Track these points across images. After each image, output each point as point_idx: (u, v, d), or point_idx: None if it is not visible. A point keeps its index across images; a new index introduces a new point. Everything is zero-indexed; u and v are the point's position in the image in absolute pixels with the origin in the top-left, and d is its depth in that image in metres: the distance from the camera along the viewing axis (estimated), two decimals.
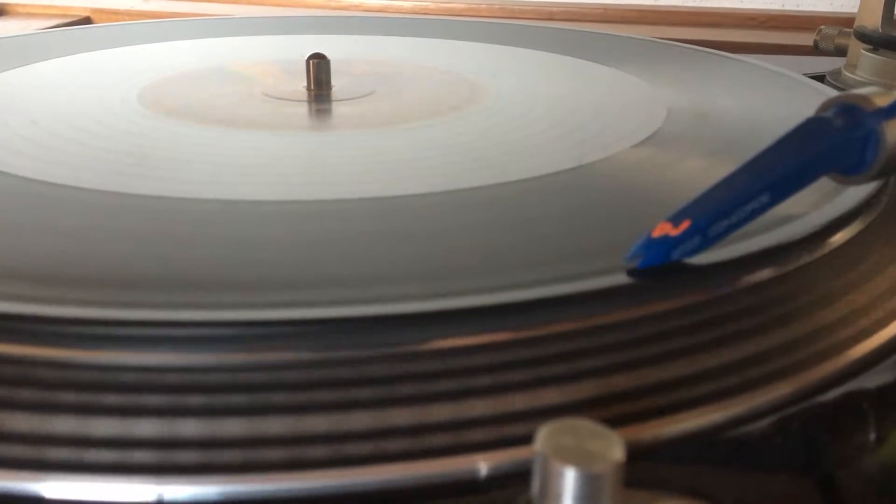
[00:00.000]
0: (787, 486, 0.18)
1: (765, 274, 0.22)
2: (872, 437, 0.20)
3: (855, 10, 0.51)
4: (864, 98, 0.21)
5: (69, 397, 0.17)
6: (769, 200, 0.21)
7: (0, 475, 0.16)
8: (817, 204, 0.25)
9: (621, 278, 0.20)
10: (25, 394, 0.17)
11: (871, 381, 0.21)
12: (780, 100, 0.39)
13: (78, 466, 0.16)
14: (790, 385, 0.19)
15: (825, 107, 0.22)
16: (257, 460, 0.16)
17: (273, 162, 0.31)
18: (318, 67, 0.40)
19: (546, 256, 0.23)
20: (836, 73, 0.50)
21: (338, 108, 0.39)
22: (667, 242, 0.20)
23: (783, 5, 0.78)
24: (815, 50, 0.53)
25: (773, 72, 0.43)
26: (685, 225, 0.20)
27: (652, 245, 0.20)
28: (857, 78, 0.48)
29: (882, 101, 0.21)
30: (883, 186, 0.27)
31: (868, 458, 0.19)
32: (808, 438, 0.19)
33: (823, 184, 0.23)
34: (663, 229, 0.20)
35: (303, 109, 0.39)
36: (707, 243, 0.20)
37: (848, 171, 0.22)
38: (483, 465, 0.17)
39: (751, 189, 0.20)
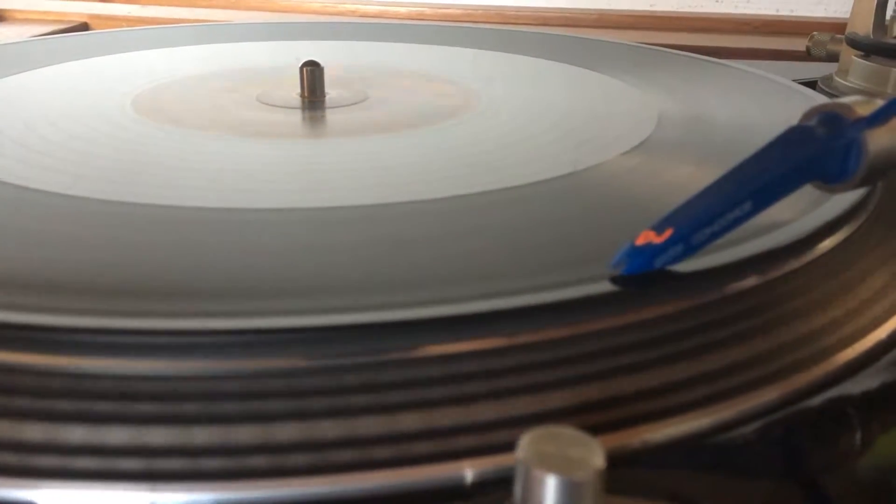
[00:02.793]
0: (772, 492, 0.18)
1: (749, 281, 0.22)
2: (858, 441, 0.20)
3: (849, 15, 0.51)
4: (847, 107, 0.21)
5: (63, 405, 0.17)
6: (752, 209, 0.21)
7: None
8: (803, 211, 0.25)
9: (605, 286, 0.21)
10: (15, 401, 0.18)
11: (856, 386, 0.21)
12: (771, 106, 0.39)
13: (72, 474, 0.16)
14: (776, 391, 0.20)
15: (808, 116, 0.22)
16: (243, 468, 0.16)
17: (267, 169, 0.31)
18: (312, 75, 0.40)
19: (535, 264, 0.23)
20: (828, 79, 0.50)
21: (331, 116, 0.39)
22: (650, 250, 0.20)
23: (777, 10, 0.78)
24: (807, 56, 0.54)
25: (764, 78, 0.44)
26: (668, 233, 0.20)
27: (635, 253, 0.21)
28: (849, 84, 0.48)
29: (864, 110, 0.21)
30: (868, 194, 0.27)
31: (853, 462, 0.19)
32: (793, 443, 0.19)
33: (809, 191, 0.23)
34: (647, 237, 0.20)
35: (297, 117, 0.39)
36: (690, 251, 0.21)
37: (831, 179, 0.22)
38: (468, 471, 0.17)
39: (733, 197, 0.21)
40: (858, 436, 0.20)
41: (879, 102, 0.22)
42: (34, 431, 0.17)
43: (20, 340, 0.19)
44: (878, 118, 0.21)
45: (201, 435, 0.17)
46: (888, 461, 0.19)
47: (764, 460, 0.19)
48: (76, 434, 0.17)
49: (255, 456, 0.17)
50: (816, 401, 0.20)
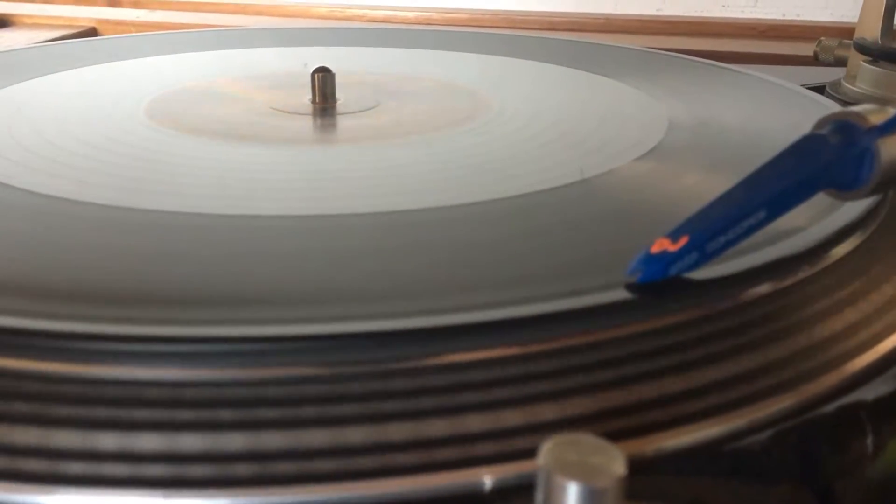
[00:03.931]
0: (787, 498, 0.18)
1: (763, 289, 0.22)
2: (870, 447, 0.20)
3: (856, 19, 0.51)
4: (860, 115, 0.22)
5: (76, 411, 0.18)
6: (766, 217, 0.21)
7: (6, 488, 0.16)
8: (815, 218, 0.25)
9: (620, 294, 0.21)
10: (26, 408, 0.18)
11: (868, 392, 0.21)
12: (780, 111, 0.39)
13: (87, 480, 0.16)
14: (790, 398, 0.20)
15: (821, 124, 0.22)
16: (264, 474, 0.17)
17: (279, 176, 0.32)
18: (324, 81, 0.41)
19: (547, 272, 0.23)
20: (836, 84, 0.50)
21: (343, 122, 0.39)
22: (665, 258, 0.21)
23: (784, 15, 0.78)
24: (815, 61, 0.54)
25: (773, 83, 0.44)
26: (683, 241, 0.20)
27: (650, 261, 0.21)
28: (857, 89, 0.48)
29: (877, 119, 0.21)
30: (881, 201, 0.27)
31: (866, 468, 0.19)
32: (807, 450, 0.19)
33: (822, 198, 0.23)
34: (662, 245, 0.21)
35: (308, 123, 0.39)
36: (705, 259, 0.21)
37: (844, 187, 0.22)
38: (488, 478, 0.17)
39: (748, 206, 0.21)
40: (870, 441, 0.20)
41: (892, 111, 0.22)
42: (44, 437, 0.17)
43: (42, 348, 0.19)
44: (890, 127, 0.21)
45: (211, 442, 0.17)
46: None
47: (779, 466, 0.19)
48: (88, 440, 0.17)
49: (271, 462, 0.17)
50: (831, 407, 0.20)
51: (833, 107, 0.38)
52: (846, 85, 0.49)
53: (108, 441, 0.17)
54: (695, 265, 0.21)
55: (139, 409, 0.18)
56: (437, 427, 0.18)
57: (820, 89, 0.49)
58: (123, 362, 0.19)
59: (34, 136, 0.35)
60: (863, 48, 0.48)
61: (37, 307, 0.20)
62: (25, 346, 0.19)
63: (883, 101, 0.45)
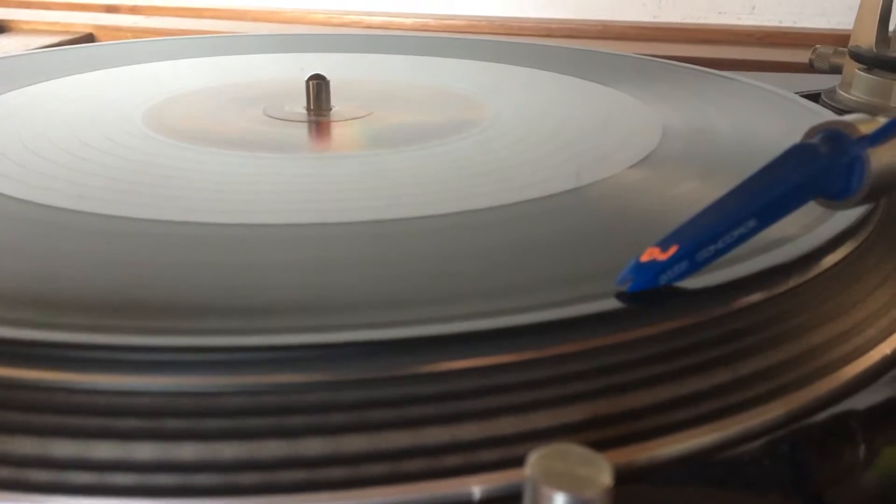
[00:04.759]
0: None
1: (754, 297, 0.22)
2: (862, 456, 0.20)
3: (852, 26, 0.52)
4: (850, 125, 0.22)
5: (73, 421, 0.18)
6: (756, 226, 0.21)
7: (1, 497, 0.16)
8: (807, 227, 0.25)
9: (610, 303, 0.21)
10: (14, 416, 0.18)
11: (860, 400, 0.21)
12: (775, 119, 0.39)
13: (74, 490, 0.17)
14: (781, 407, 0.20)
15: (811, 133, 0.22)
16: (239, 484, 0.17)
17: (272, 184, 0.32)
18: (318, 88, 0.41)
19: (539, 280, 0.23)
20: (832, 92, 0.50)
21: (337, 129, 0.39)
22: (655, 267, 0.21)
23: (781, 22, 0.78)
24: (811, 68, 0.54)
25: (768, 91, 0.44)
26: (673, 250, 0.20)
27: (640, 269, 0.21)
28: (852, 97, 0.48)
29: (867, 129, 0.22)
30: (872, 210, 0.27)
31: (857, 477, 0.19)
32: (797, 459, 0.19)
33: (812, 207, 0.23)
34: (651, 254, 0.21)
35: (303, 131, 0.39)
36: (695, 268, 0.21)
37: (834, 196, 0.22)
38: (476, 488, 0.17)
39: (738, 214, 0.21)
40: (862, 450, 0.20)
41: (882, 121, 0.22)
42: (33, 445, 0.17)
43: (24, 357, 0.19)
44: (880, 136, 0.21)
45: (197, 451, 0.17)
46: (892, 474, 0.20)
47: (770, 476, 0.19)
48: (104, 450, 0.17)
49: (251, 473, 0.17)
50: (822, 416, 0.20)
51: (827, 115, 0.38)
52: (841, 92, 0.49)
53: (103, 450, 0.17)
54: (685, 274, 0.21)
55: (133, 419, 0.18)
56: (426, 436, 0.18)
57: (815, 97, 0.49)
58: (119, 371, 0.19)
59: (30, 144, 0.35)
60: (857, 56, 0.48)
61: (31, 317, 0.20)
62: (22, 355, 0.19)
63: (877, 109, 0.45)
